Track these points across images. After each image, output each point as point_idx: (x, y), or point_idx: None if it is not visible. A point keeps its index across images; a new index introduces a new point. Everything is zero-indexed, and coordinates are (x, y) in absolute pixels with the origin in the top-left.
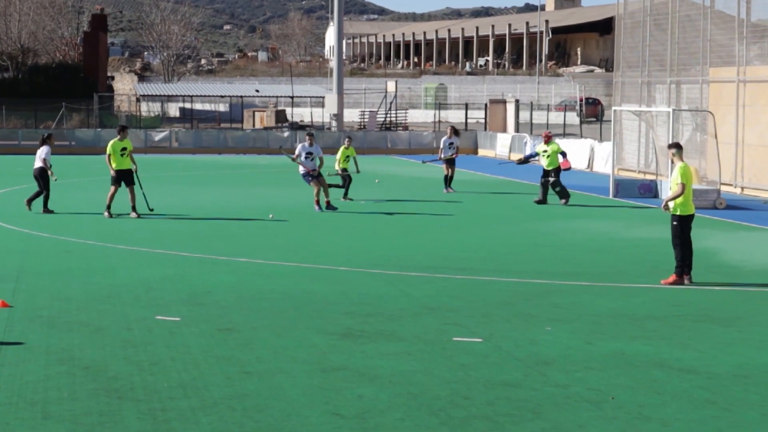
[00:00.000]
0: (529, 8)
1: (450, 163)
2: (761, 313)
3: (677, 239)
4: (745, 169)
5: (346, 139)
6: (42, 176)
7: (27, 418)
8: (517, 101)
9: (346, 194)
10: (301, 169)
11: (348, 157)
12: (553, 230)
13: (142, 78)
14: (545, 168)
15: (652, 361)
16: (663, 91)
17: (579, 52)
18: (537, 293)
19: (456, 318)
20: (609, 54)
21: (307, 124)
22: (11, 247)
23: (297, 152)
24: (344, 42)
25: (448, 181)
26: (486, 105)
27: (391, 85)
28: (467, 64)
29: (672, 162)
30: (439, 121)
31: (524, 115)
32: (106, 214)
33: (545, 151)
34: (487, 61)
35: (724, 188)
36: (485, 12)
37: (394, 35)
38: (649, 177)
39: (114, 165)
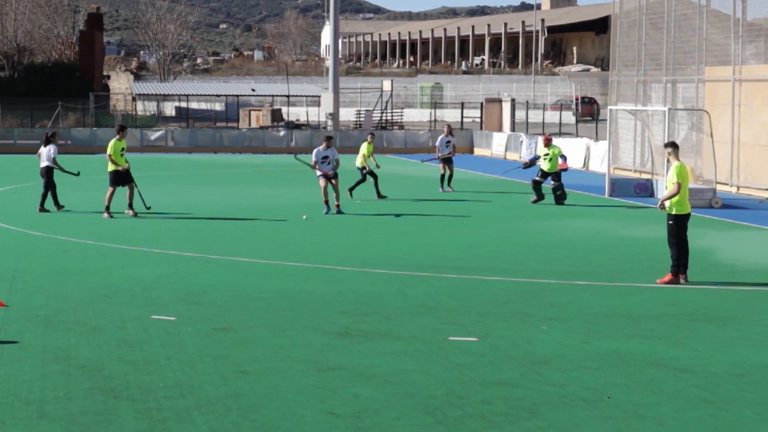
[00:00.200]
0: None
1: (447, 161)
2: (757, 312)
3: (673, 238)
4: (741, 168)
5: (369, 135)
6: (48, 174)
7: (23, 418)
8: (513, 100)
9: (379, 193)
10: (318, 171)
11: (372, 153)
12: (549, 229)
13: (138, 77)
14: (545, 170)
15: (648, 360)
16: (659, 90)
17: (575, 51)
18: (533, 292)
19: (452, 317)
20: (605, 53)
21: (303, 123)
22: (7, 246)
23: (314, 158)
24: (340, 41)
25: (447, 180)
26: (482, 104)
27: (387, 84)
28: (463, 63)
29: (668, 161)
30: (435, 120)
31: (520, 114)
32: (105, 215)
33: (546, 155)
34: (483, 60)
35: (719, 187)
36: (481, 11)
37: (390, 34)
38: (644, 176)
39: (118, 164)
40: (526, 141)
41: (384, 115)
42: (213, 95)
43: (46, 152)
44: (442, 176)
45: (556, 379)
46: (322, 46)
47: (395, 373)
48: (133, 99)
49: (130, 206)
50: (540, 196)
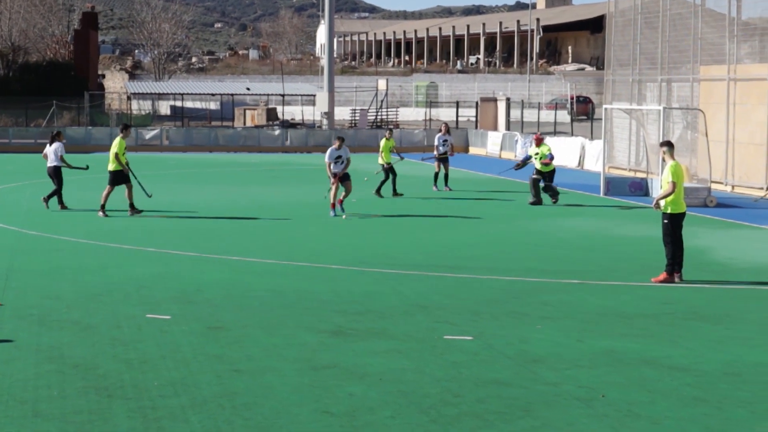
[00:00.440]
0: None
1: (444, 160)
2: (750, 311)
3: (668, 237)
4: (736, 167)
5: (388, 131)
6: (56, 174)
7: (17, 417)
8: (508, 99)
9: (395, 191)
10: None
11: (391, 148)
12: (543, 228)
13: (132, 76)
14: (539, 170)
15: (642, 358)
16: (654, 89)
17: (570, 51)
18: (527, 291)
19: (446, 316)
20: (600, 52)
21: (298, 123)
22: (2, 244)
23: (327, 158)
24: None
25: (444, 179)
26: (477, 103)
27: (382, 84)
28: (458, 62)
29: (663, 160)
30: (430, 120)
31: (515, 114)
32: (100, 213)
33: (537, 154)
34: (478, 59)
35: (714, 186)
36: (476, 10)
37: (385, 33)
38: (639, 175)
39: (120, 163)
40: (521, 140)
41: (379, 114)
42: (208, 94)
43: (53, 151)
44: (436, 174)
45: (551, 378)
46: (317, 45)
47: (390, 371)
48: (128, 98)
49: (132, 206)
50: (537, 199)
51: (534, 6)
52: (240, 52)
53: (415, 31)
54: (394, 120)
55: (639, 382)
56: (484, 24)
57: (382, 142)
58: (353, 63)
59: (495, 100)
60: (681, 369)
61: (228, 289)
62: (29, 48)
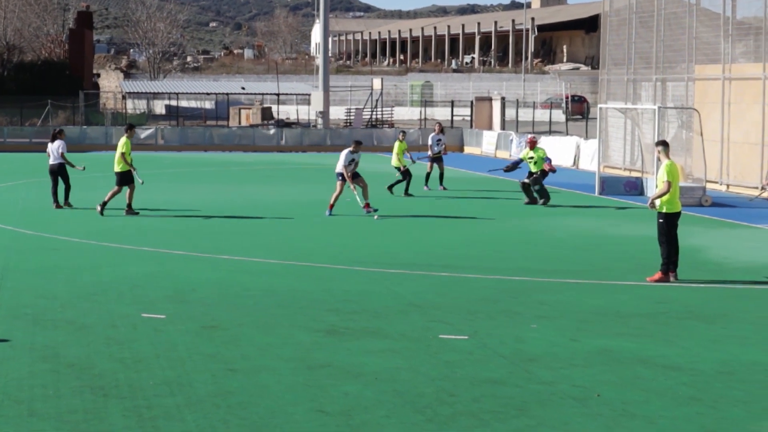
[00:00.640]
0: (515, 6)
1: (438, 160)
2: (746, 310)
3: (663, 236)
4: (731, 167)
5: (401, 133)
6: (61, 171)
7: (12, 416)
8: (503, 99)
9: (407, 191)
10: (338, 168)
11: (404, 151)
12: (538, 227)
13: (127, 75)
14: (532, 172)
15: (637, 358)
16: (649, 88)
17: (565, 50)
18: (522, 290)
19: (441, 315)
20: (595, 51)
21: (293, 122)
22: None
23: (343, 161)
24: (330, 39)
25: (439, 178)
26: (472, 102)
27: (377, 83)
28: (453, 61)
29: (658, 159)
30: (425, 119)
31: (510, 113)
32: (99, 208)
33: (531, 158)
34: (473, 58)
35: (709, 185)
36: (471, 9)
37: (380, 33)
38: (634, 174)
39: (127, 162)
40: (516, 139)
41: (374, 113)
42: (203, 93)
43: (55, 148)
44: (428, 174)
45: (545, 377)
46: (312, 45)
47: (385, 371)
48: (123, 97)
49: (129, 206)
50: (532, 199)
51: (529, 5)
52: (235, 52)
53: (410, 30)
54: (390, 119)
55: (634, 381)
56: (479, 23)
57: (396, 145)
58: (348, 62)
59: (490, 99)
60: (676, 368)
61: (223, 289)
62: (24, 47)
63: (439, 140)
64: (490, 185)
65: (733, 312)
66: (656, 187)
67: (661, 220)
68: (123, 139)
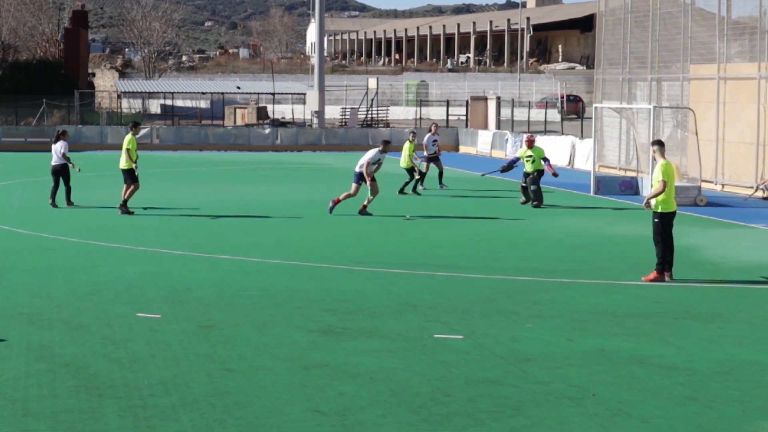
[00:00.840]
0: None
1: (434, 160)
2: (741, 310)
3: (658, 236)
4: (726, 166)
5: (411, 134)
6: (63, 171)
7: (7, 416)
8: (498, 98)
9: (415, 187)
10: (358, 168)
11: (413, 151)
12: (534, 227)
13: (123, 75)
14: (528, 172)
15: (632, 357)
16: (644, 88)
17: (560, 49)
18: (518, 290)
19: (437, 315)
20: (590, 51)
21: (288, 121)
22: None
23: (369, 160)
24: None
25: (438, 177)
26: (467, 102)
27: (372, 82)
28: (448, 61)
29: (654, 159)
30: (421, 118)
31: (505, 112)
32: (122, 210)
33: (529, 156)
34: (469, 58)
35: (704, 185)
36: (466, 9)
37: (375, 32)
38: (630, 174)
39: (131, 159)
40: (511, 139)
41: (369, 113)
42: (198, 93)
43: (57, 149)
44: (423, 175)
45: (541, 377)
46: (308, 44)
47: (380, 370)
48: (119, 97)
49: (124, 204)
50: (528, 198)
51: (524, 5)
52: (230, 51)
53: (406, 29)
54: (385, 119)
55: (630, 380)
56: (474, 23)
57: (406, 145)
58: (344, 62)
59: (485, 98)
60: (672, 368)
61: (219, 288)
62: (19, 46)
63: (435, 141)
64: (486, 185)
65: (729, 312)
66: (651, 186)
67: (656, 220)
68: (128, 136)
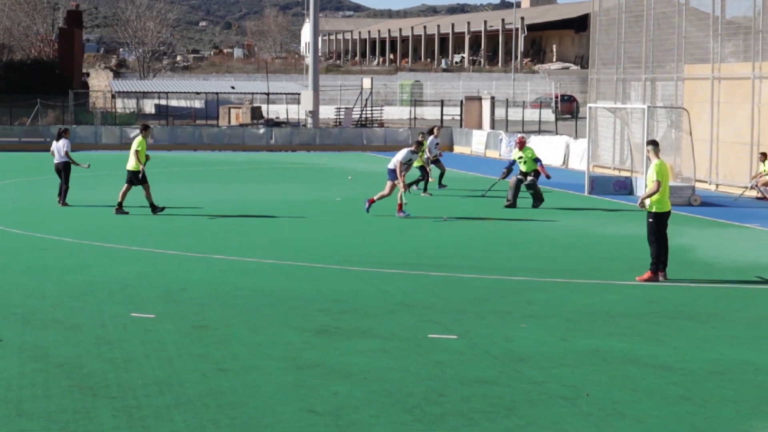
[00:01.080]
0: (505, 5)
1: (436, 162)
2: (735, 310)
3: (653, 236)
4: (720, 166)
5: (420, 135)
6: (65, 169)
7: (1, 416)
8: (492, 98)
9: (426, 189)
10: (392, 165)
11: (423, 151)
12: (528, 227)
13: (117, 74)
14: (524, 172)
15: (626, 357)
16: (638, 88)
17: (554, 49)
18: (512, 290)
19: (431, 315)
20: (584, 51)
21: (282, 121)
22: None
23: (402, 159)
24: (320, 39)
25: (439, 178)
26: (461, 102)
27: (366, 82)
28: (443, 60)
29: (648, 159)
30: (415, 118)
31: (500, 112)
32: (156, 212)
33: (521, 158)
34: (463, 57)
35: (698, 185)
36: (461, 9)
37: (369, 32)
38: (624, 174)
39: (142, 162)
40: (505, 139)
41: (364, 112)
42: (192, 93)
43: (60, 147)
44: (427, 179)
45: (535, 377)
46: (302, 44)
47: (374, 370)
48: (113, 96)
49: (120, 205)
50: (513, 202)
51: (518, 5)
52: (225, 51)
53: (400, 29)
54: (379, 119)
55: (624, 380)
56: (468, 23)
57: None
58: (338, 62)
59: (480, 98)
60: (666, 368)
61: (213, 288)
62: (14, 46)
63: (437, 144)
64: (481, 185)
65: (723, 311)
66: (646, 186)
67: (650, 220)
68: (139, 138)
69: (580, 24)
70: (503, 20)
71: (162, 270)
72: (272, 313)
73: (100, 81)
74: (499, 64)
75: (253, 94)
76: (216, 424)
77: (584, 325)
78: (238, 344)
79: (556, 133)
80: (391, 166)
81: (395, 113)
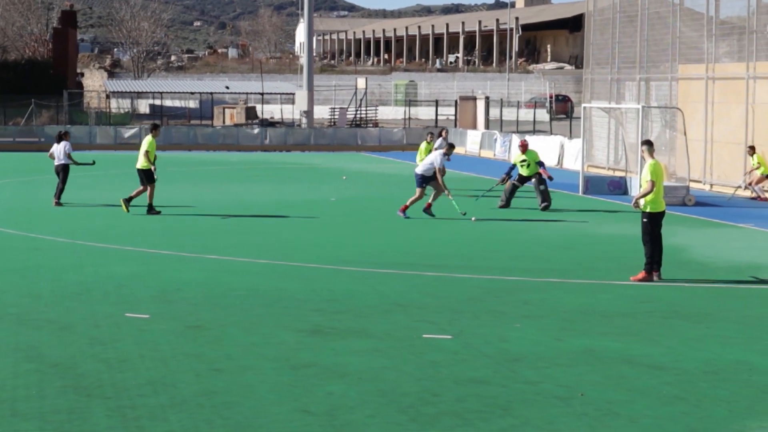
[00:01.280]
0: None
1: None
2: (729, 310)
3: (647, 236)
4: (714, 166)
5: (428, 135)
6: (64, 171)
7: None
8: (487, 98)
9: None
10: (420, 170)
11: (430, 151)
12: (522, 227)
13: (111, 74)
14: (524, 176)
15: (621, 357)
16: (632, 88)
17: (549, 49)
18: (506, 290)
19: (426, 315)
20: (579, 51)
21: (277, 121)
22: None
23: (441, 165)
24: (314, 39)
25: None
26: (456, 102)
27: (361, 82)
28: (437, 60)
29: (643, 159)
30: (410, 118)
31: (494, 112)
32: (151, 212)
33: (524, 161)
34: (457, 57)
35: (693, 185)
36: (455, 9)
37: (364, 32)
38: (618, 174)
39: (149, 161)
40: (500, 139)
41: (358, 112)
42: (187, 93)
43: (61, 149)
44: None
45: (530, 377)
46: (297, 44)
47: (369, 370)
48: (107, 96)
49: (129, 201)
50: (507, 203)
51: (513, 5)
52: (219, 51)
53: (395, 29)
54: (374, 119)
55: (618, 380)
56: (463, 23)
57: (423, 145)
58: (332, 62)
59: (474, 98)
60: (660, 368)
61: (207, 288)
62: (8, 46)
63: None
64: (475, 185)
65: (717, 311)
66: (640, 186)
67: (645, 220)
68: (149, 138)
69: (574, 24)
70: (498, 20)
71: (156, 270)
72: (266, 313)
73: (94, 81)
74: (494, 64)
75: (247, 94)
76: (210, 424)
77: (579, 325)
78: (232, 344)
79: (551, 133)
80: (419, 171)
81: (390, 113)
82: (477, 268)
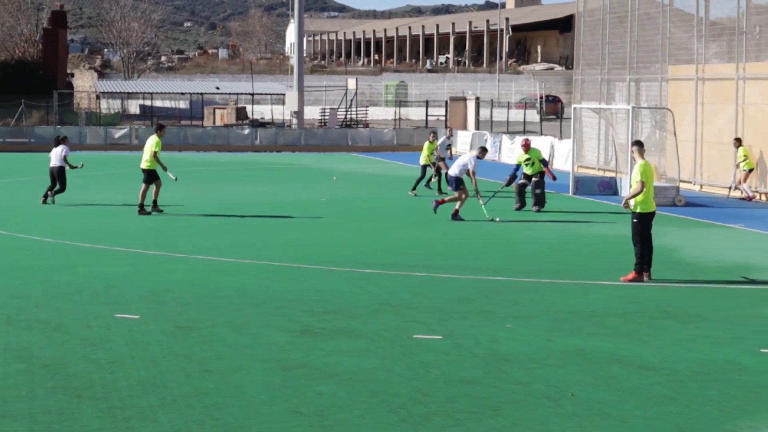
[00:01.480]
0: (490, 6)
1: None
2: (719, 310)
3: (637, 236)
4: (704, 167)
5: (431, 134)
6: (60, 174)
7: None
8: (477, 99)
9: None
10: (454, 172)
11: (432, 151)
12: (513, 227)
13: (101, 75)
14: (528, 174)
15: (611, 357)
16: (622, 88)
17: (539, 50)
18: (497, 290)
19: (416, 315)
20: (569, 51)
21: (267, 122)
22: None
23: (472, 167)
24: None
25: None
26: (446, 102)
27: (351, 83)
28: (428, 61)
29: (633, 159)
30: (400, 119)
31: (484, 113)
32: (152, 212)
33: (528, 160)
34: (448, 58)
35: (683, 185)
36: (446, 9)
37: (354, 32)
38: (608, 174)
39: (158, 161)
40: (490, 139)
41: (349, 113)
42: (177, 93)
43: (58, 152)
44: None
45: (520, 377)
46: (287, 45)
47: (359, 371)
48: (97, 97)
49: (155, 203)
50: (523, 203)
51: (503, 5)
52: (209, 51)
53: (385, 30)
54: (364, 119)
55: (608, 381)
56: (453, 23)
57: (426, 145)
58: (323, 62)
59: (464, 99)
60: (650, 368)
61: (197, 289)
62: None
63: (449, 145)
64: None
65: (707, 311)
66: (630, 187)
67: (635, 220)
68: (155, 138)
69: (564, 25)
70: (488, 21)
71: (146, 270)
72: (256, 314)
73: (84, 81)
74: (484, 64)
75: (237, 94)
76: (201, 424)
77: (569, 325)
78: (222, 345)
79: (541, 134)
80: (453, 173)
81: (380, 114)
82: (467, 268)
